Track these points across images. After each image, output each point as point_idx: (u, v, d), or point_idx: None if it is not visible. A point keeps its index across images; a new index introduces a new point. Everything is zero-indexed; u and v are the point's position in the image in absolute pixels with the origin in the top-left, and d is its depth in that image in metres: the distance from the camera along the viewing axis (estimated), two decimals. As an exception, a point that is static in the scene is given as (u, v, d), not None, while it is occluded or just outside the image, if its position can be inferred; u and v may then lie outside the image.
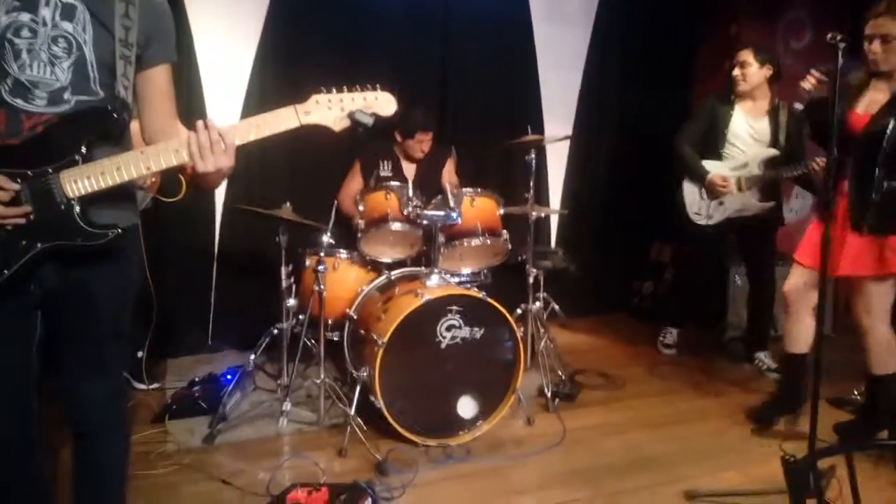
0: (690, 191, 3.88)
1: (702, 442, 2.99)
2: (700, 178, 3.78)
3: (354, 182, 3.68)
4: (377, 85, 1.68)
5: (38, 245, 1.47)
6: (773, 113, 3.71)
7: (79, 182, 1.49)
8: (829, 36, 2.37)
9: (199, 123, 1.53)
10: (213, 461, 2.71)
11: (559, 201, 4.82)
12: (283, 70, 3.81)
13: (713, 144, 3.79)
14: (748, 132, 3.74)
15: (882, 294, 2.73)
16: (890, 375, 2.80)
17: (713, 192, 3.75)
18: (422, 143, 3.69)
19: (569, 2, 4.67)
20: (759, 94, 3.72)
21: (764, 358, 3.88)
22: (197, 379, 3.26)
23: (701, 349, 4.22)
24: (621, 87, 4.81)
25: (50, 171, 1.47)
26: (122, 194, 1.61)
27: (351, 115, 1.62)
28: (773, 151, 3.67)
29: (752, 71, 3.66)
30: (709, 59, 5.03)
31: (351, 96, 1.64)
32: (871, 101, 2.70)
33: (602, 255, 4.92)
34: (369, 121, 1.62)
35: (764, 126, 3.73)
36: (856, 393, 3.32)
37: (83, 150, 1.49)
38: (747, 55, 3.67)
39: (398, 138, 3.72)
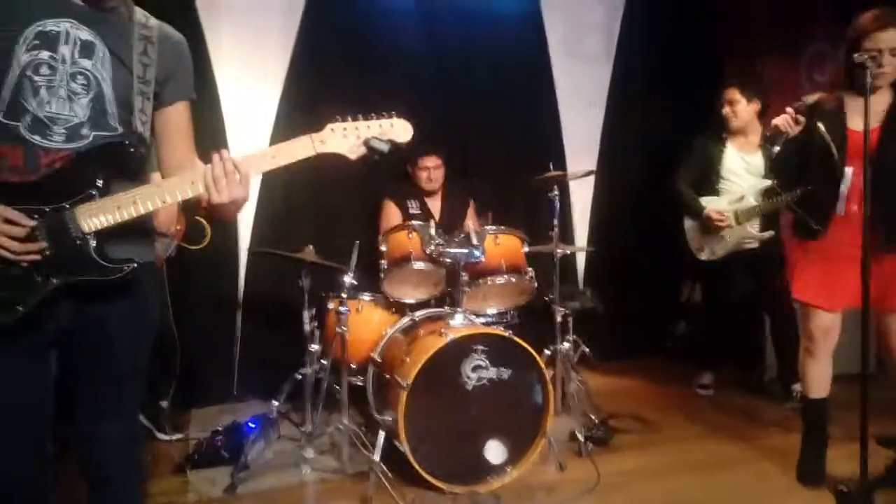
0: (691, 228, 3.91)
1: (746, 486, 2.82)
2: (697, 214, 3.80)
3: (395, 219, 3.66)
4: (392, 112, 1.67)
5: (54, 281, 1.46)
6: (765, 147, 3.70)
7: (95, 217, 1.49)
8: (856, 56, 2.33)
9: (215, 155, 1.53)
10: (234, 511, 2.63)
11: (585, 240, 4.75)
12: (307, 110, 3.85)
13: (708, 182, 3.83)
14: (742, 167, 3.78)
15: None
16: None
17: (712, 226, 3.75)
18: (428, 172, 3.69)
19: (587, 38, 4.71)
20: (751, 129, 3.78)
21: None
22: (220, 428, 3.20)
23: (740, 391, 4.04)
24: (645, 124, 4.78)
25: (66, 206, 1.47)
26: (138, 229, 1.61)
27: (367, 143, 1.61)
28: (768, 182, 3.64)
29: (741, 108, 3.74)
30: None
31: (367, 124, 1.64)
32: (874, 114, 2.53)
33: (631, 296, 4.79)
34: (385, 147, 1.61)
35: (758, 160, 3.76)
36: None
37: (100, 184, 1.49)
38: (734, 93, 3.77)
39: (411, 172, 3.74)
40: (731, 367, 4.29)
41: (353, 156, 1.62)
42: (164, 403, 3.32)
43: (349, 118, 1.63)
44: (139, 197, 1.51)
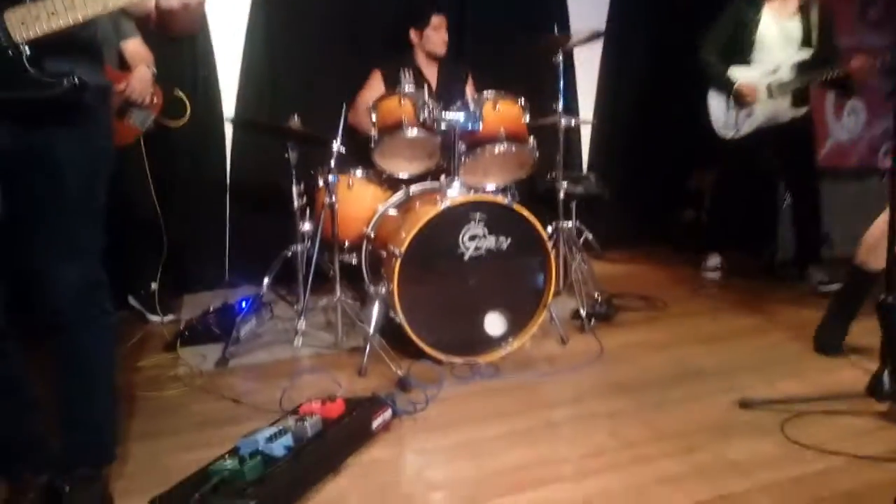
0: (716, 102, 3.61)
1: (755, 355, 2.73)
2: (727, 86, 3.50)
3: (372, 93, 3.44)
4: None
5: (-16, 96, 1.29)
6: (803, 11, 3.41)
7: (26, 23, 1.29)
8: None
9: None
10: (225, 383, 2.56)
11: (590, 116, 4.50)
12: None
13: (740, 50, 3.49)
14: (778, 34, 3.45)
15: None
16: None
17: (741, 101, 3.47)
18: (439, 31, 3.49)
19: None
20: None
21: (815, 272, 3.57)
22: (211, 308, 3.10)
23: (748, 273, 3.92)
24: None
25: (-9, 9, 1.27)
26: (83, 48, 1.42)
27: None
28: (805, 53, 3.38)
29: None
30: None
31: None
32: None
33: (638, 182, 4.62)
34: None
35: (794, 26, 3.44)
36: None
37: None
38: None
39: (415, 39, 3.53)
40: (739, 250, 4.16)
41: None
42: (154, 285, 3.22)
43: None
44: (77, 1, 1.30)
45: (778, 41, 3.45)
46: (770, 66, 3.45)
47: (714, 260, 3.94)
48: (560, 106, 3.24)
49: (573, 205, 3.69)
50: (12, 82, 1.31)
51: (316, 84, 3.67)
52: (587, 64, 4.42)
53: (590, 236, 3.78)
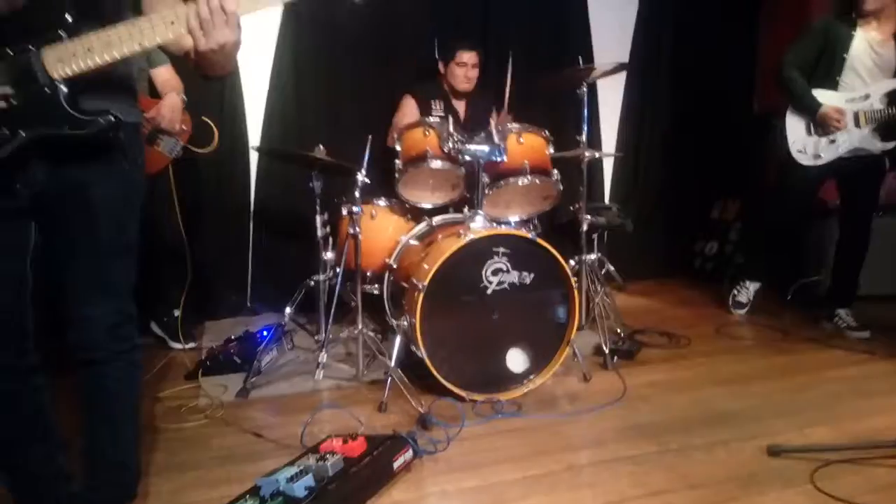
0: (795, 124, 3.34)
1: (782, 398, 2.67)
2: (810, 109, 3.26)
3: (406, 117, 3.46)
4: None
5: (21, 133, 1.30)
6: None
7: (64, 60, 1.31)
8: None
9: None
10: (245, 415, 2.55)
11: (612, 148, 4.49)
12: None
13: (828, 71, 3.25)
14: (871, 59, 3.20)
15: None
16: None
17: (825, 126, 3.24)
18: (466, 69, 3.47)
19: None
20: (887, 14, 3.17)
21: (845, 316, 3.47)
22: (232, 336, 3.11)
23: (771, 308, 3.85)
24: (681, 23, 4.42)
25: (31, 47, 1.29)
26: (119, 85, 1.44)
27: None
28: None
29: None
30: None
31: None
32: None
33: (660, 214, 4.60)
34: None
35: (889, 53, 3.19)
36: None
37: (69, 22, 1.31)
38: None
39: (442, 69, 3.53)
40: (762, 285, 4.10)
41: (359, -1, 1.41)
42: (177, 312, 3.24)
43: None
44: (113, 39, 1.32)
45: (871, 66, 3.22)
46: (860, 92, 3.23)
47: (745, 293, 3.75)
48: (584, 138, 3.23)
49: (595, 236, 3.66)
50: (49, 119, 1.33)
51: (343, 112, 3.70)
52: (611, 96, 4.42)
53: (612, 268, 3.74)
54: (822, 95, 3.26)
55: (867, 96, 3.22)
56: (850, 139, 3.25)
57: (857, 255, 3.46)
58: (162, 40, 1.33)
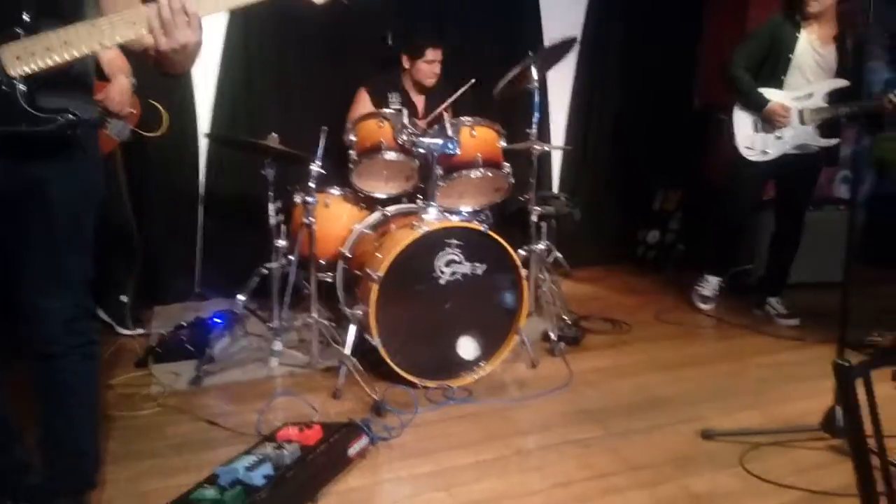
0: (743, 122, 3.43)
1: (717, 383, 2.84)
2: (758, 105, 3.35)
3: (362, 111, 3.44)
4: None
5: (-22, 131, 1.28)
6: (839, 39, 3.32)
7: (21, 58, 1.29)
8: None
9: None
10: (199, 403, 2.56)
11: (562, 141, 4.60)
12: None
13: (773, 70, 3.36)
14: (815, 59, 3.33)
15: None
16: None
17: (772, 122, 3.35)
18: (433, 65, 3.49)
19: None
20: (827, 17, 3.29)
21: (775, 304, 3.68)
22: (183, 323, 3.09)
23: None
24: (627, 20, 4.55)
25: (-13, 44, 1.27)
26: (76, 82, 1.42)
27: None
28: (842, 82, 3.30)
29: None
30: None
31: None
32: None
33: (606, 203, 4.75)
34: None
35: (830, 54, 3.32)
36: (875, 335, 3.18)
37: (26, 20, 1.29)
38: None
39: (406, 64, 3.53)
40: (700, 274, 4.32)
41: (319, 0, 1.43)
42: (125, 298, 3.19)
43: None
44: (72, 38, 1.31)
45: (813, 66, 3.34)
46: (804, 91, 3.35)
47: (710, 287, 3.79)
48: (534, 131, 3.30)
49: (543, 224, 3.76)
50: (6, 117, 1.31)
51: (295, 100, 3.67)
52: (560, 89, 4.52)
53: (559, 256, 3.86)
54: (768, 93, 3.36)
55: (811, 95, 3.35)
56: (796, 135, 3.38)
57: (790, 248, 3.65)
58: (122, 40, 1.32)
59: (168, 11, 1.30)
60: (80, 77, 1.45)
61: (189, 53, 1.37)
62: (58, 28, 1.30)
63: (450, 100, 3.07)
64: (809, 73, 3.36)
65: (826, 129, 3.39)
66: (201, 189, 3.68)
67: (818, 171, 3.60)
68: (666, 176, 4.84)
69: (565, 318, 3.43)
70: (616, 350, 3.24)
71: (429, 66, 3.49)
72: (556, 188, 4.66)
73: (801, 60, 3.34)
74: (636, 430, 2.41)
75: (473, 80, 2.99)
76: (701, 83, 4.93)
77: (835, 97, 3.35)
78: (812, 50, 3.33)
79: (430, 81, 3.54)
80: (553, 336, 3.15)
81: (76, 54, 1.31)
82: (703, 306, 3.80)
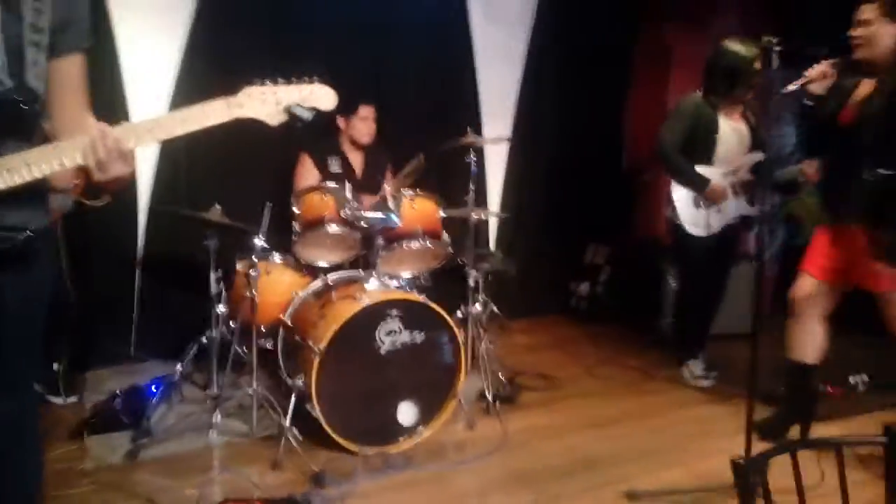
0: (685, 203, 3.56)
1: (642, 440, 3.01)
2: (699, 186, 3.50)
3: (311, 177, 3.55)
4: (314, 77, 1.60)
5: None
6: (745, 116, 3.61)
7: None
8: (763, 39, 2.44)
9: (96, 132, 1.41)
10: (135, 479, 2.54)
11: (498, 203, 4.82)
12: (210, 66, 3.62)
13: (703, 148, 3.52)
14: (734, 135, 3.56)
15: None
16: None
17: (715, 199, 3.52)
18: (366, 122, 3.61)
19: (508, 1, 4.66)
20: (735, 98, 3.54)
21: (692, 366, 3.78)
22: (119, 391, 3.05)
23: (635, 348, 4.29)
24: (559, 88, 4.83)
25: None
26: (31, 193, 1.46)
27: (289, 110, 1.54)
28: (761, 155, 3.53)
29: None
30: (643, 64, 5.16)
31: (286, 89, 1.55)
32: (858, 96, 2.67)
33: (540, 257, 4.96)
34: (308, 115, 1.54)
35: (743, 129, 3.58)
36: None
37: None
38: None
39: (342, 125, 3.64)
40: (630, 325, 4.56)
41: (272, 122, 1.54)
42: (56, 365, 3.13)
43: (267, 81, 1.54)
44: (33, 160, 1.38)
45: (735, 142, 3.54)
46: (731, 166, 3.54)
47: (699, 368, 3.77)
48: (471, 198, 3.45)
49: (481, 280, 3.91)
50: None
51: (240, 167, 3.70)
52: (496, 152, 4.76)
53: (496, 309, 4.02)
54: (702, 171, 3.52)
55: (737, 170, 3.58)
56: (734, 207, 3.58)
57: (716, 308, 3.87)
58: (72, 165, 1.40)
59: (103, 151, 1.39)
60: (38, 186, 1.50)
61: (121, 184, 1.45)
62: (21, 149, 1.36)
63: (399, 176, 3.20)
64: (732, 148, 3.57)
65: (753, 197, 3.63)
66: (140, 253, 3.66)
67: (741, 232, 3.87)
68: (596, 231, 5.12)
69: (501, 376, 3.56)
70: (548, 408, 3.38)
71: (363, 123, 3.62)
72: (492, 244, 4.85)
73: (724, 137, 3.54)
74: (566, 493, 2.54)
75: (422, 157, 3.13)
76: (628, 144, 5.27)
77: (761, 168, 3.53)
78: (731, 127, 3.57)
79: (365, 139, 3.66)
80: (489, 396, 3.27)
81: (37, 174, 1.38)
82: (699, 384, 3.73)
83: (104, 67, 3.42)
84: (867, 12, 2.59)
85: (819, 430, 2.99)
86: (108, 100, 3.37)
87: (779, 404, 3.06)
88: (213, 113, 1.50)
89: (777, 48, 2.34)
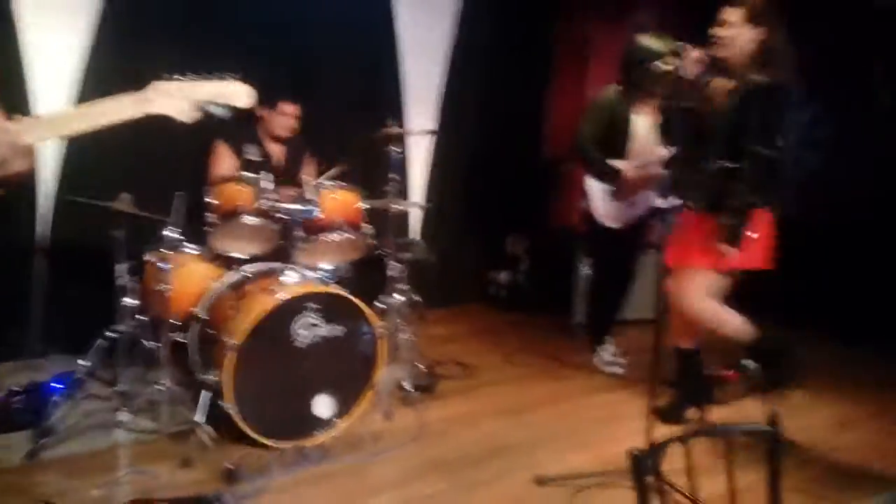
0: (598, 196, 3.70)
1: (553, 426, 3.14)
2: (610, 178, 3.60)
3: (227, 166, 3.42)
4: (231, 74, 1.57)
5: None
6: (658, 110, 3.61)
7: None
8: (677, 44, 2.57)
9: None
10: (36, 480, 2.43)
11: (421, 193, 4.84)
12: (119, 56, 3.45)
13: (615, 142, 3.61)
14: (647, 130, 3.64)
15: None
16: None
17: (626, 193, 3.62)
18: (287, 118, 3.52)
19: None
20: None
21: (601, 351, 3.95)
22: (17, 388, 2.89)
23: (553, 336, 4.44)
24: (482, 81, 4.88)
25: None
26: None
27: (203, 107, 1.50)
28: (671, 150, 3.49)
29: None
30: (563, 56, 5.28)
31: (202, 84, 1.52)
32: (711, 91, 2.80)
33: (461, 247, 5.04)
34: (224, 112, 1.51)
35: (655, 126, 3.62)
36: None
37: None
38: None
39: (260, 114, 3.53)
40: (546, 313, 4.71)
41: (183, 118, 1.50)
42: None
43: (178, 77, 1.50)
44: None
45: (647, 137, 3.62)
46: (643, 159, 3.59)
47: (608, 352, 3.93)
48: (393, 188, 3.45)
49: (402, 272, 3.93)
50: None
51: (152, 153, 3.55)
52: (420, 145, 4.76)
53: (417, 298, 4.05)
54: (615, 164, 3.62)
55: (648, 164, 3.63)
56: (645, 200, 3.69)
57: (621, 295, 4.04)
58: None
59: (7, 151, 1.33)
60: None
61: (21, 178, 1.39)
62: None
63: (318, 180, 3.15)
64: (644, 142, 3.67)
65: (664, 190, 3.59)
66: (41, 242, 3.46)
67: (649, 223, 3.96)
68: (517, 221, 5.23)
69: (420, 365, 3.60)
70: (466, 396, 3.46)
71: (283, 118, 3.53)
72: (413, 233, 4.87)
73: (637, 132, 3.66)
74: (480, 480, 2.62)
75: (346, 167, 3.11)
76: (548, 136, 5.39)
77: (674, 163, 3.57)
78: (643, 121, 3.68)
79: (284, 132, 3.57)
80: (407, 386, 3.31)
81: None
82: (609, 370, 3.88)
83: (3, 56, 3.22)
84: (731, 14, 2.75)
85: (718, 414, 3.21)
86: (7, 92, 3.17)
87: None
88: (120, 109, 1.46)
89: (690, 53, 2.47)
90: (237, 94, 1.56)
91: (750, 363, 3.75)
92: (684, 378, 3.17)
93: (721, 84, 2.81)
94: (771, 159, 2.67)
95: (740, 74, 2.75)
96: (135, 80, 1.52)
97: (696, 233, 2.86)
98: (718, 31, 2.78)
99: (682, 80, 2.77)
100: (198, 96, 1.51)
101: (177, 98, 1.50)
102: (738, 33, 2.74)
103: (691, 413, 3.14)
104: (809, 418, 3.30)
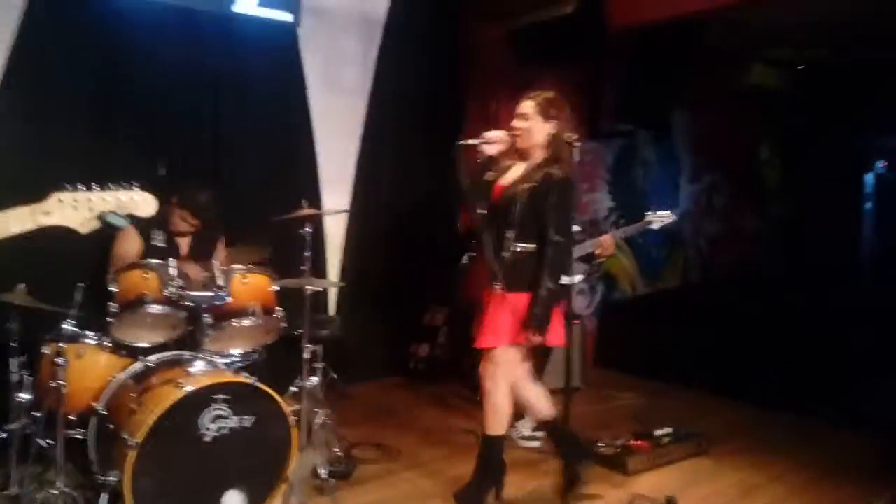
0: None
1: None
2: None
3: (132, 248, 3.25)
4: (134, 183, 1.56)
5: None
6: None
7: None
8: (566, 136, 2.74)
9: None
10: None
11: (337, 270, 4.84)
12: (22, 134, 3.36)
13: None
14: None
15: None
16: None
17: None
18: (182, 214, 3.38)
19: (344, 71, 4.79)
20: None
21: (519, 426, 3.94)
22: None
23: (473, 409, 4.43)
24: (396, 155, 5.02)
25: None
26: None
27: (102, 217, 1.48)
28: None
29: None
30: (474, 132, 5.47)
31: (103, 195, 1.50)
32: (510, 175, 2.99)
33: (380, 322, 5.03)
34: (124, 223, 1.50)
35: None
36: (600, 444, 3.69)
37: None
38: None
39: (172, 201, 3.40)
40: (465, 385, 4.72)
41: (83, 230, 1.48)
42: None
43: (81, 187, 1.48)
44: None
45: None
46: None
47: (526, 426, 3.88)
48: (308, 268, 3.42)
49: (318, 351, 3.87)
50: None
51: (51, 240, 3.39)
52: (336, 222, 4.82)
53: (334, 376, 3.99)
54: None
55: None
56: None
57: (539, 366, 3.95)
58: None
59: None
60: None
61: None
62: None
63: (236, 266, 3.10)
64: None
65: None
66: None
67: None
68: (435, 292, 5.28)
69: (336, 450, 3.52)
70: (383, 482, 3.40)
71: (184, 222, 3.36)
72: (331, 310, 4.84)
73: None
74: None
75: (268, 257, 3.09)
76: (461, 207, 5.54)
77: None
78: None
79: (182, 227, 3.38)
80: (323, 473, 3.22)
81: None
82: (526, 445, 3.87)
83: None
84: (526, 108, 2.96)
85: (632, 484, 3.29)
86: None
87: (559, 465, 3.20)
88: (15, 220, 1.42)
89: (576, 144, 2.64)
90: (139, 203, 1.55)
91: (664, 431, 3.86)
92: (485, 461, 3.10)
93: (519, 171, 2.96)
94: (563, 246, 2.82)
95: (538, 165, 2.93)
96: (34, 189, 1.49)
97: (500, 311, 2.92)
98: (515, 123, 2.95)
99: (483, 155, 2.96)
100: (101, 207, 1.49)
101: (78, 209, 1.48)
102: (532, 126, 2.92)
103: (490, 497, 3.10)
104: (714, 484, 3.42)
